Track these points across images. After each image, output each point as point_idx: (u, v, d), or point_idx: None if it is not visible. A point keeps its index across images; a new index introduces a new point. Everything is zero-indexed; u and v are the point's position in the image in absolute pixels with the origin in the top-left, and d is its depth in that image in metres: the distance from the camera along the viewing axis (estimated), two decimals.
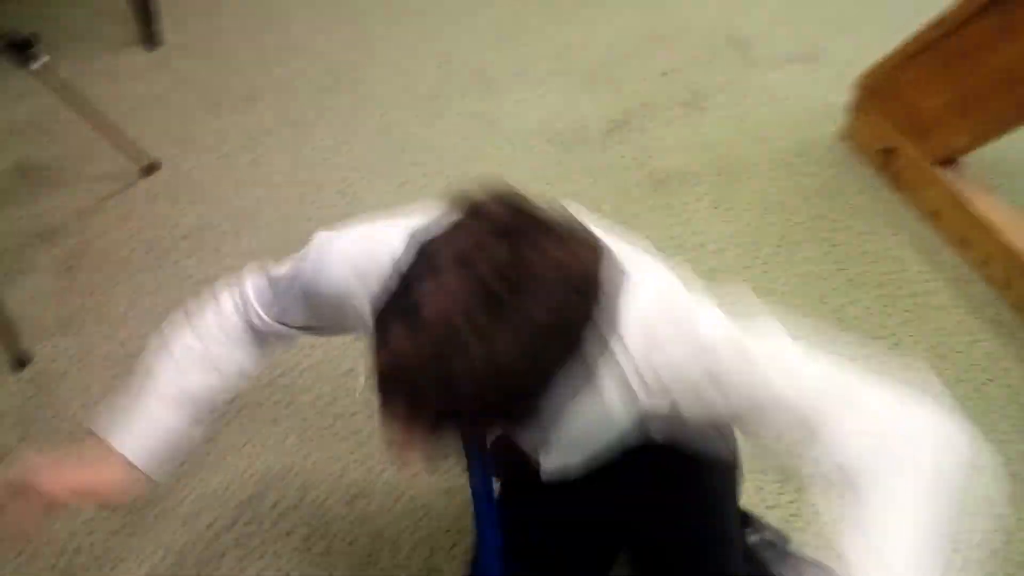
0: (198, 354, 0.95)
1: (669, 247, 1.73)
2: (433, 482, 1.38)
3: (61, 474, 0.88)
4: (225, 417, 1.48)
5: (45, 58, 1.70)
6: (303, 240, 1.87)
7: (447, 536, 1.32)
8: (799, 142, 2.02)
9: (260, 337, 0.99)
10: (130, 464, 0.91)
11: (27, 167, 2.02)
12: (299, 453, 1.44)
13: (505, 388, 0.63)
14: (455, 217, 0.65)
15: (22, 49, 1.65)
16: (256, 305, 0.96)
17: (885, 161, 1.90)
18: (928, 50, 1.73)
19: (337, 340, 1.59)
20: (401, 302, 0.64)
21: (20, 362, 1.57)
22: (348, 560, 1.30)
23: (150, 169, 1.98)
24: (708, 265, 1.72)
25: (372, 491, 1.38)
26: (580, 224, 0.68)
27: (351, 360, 1.56)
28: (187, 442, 0.96)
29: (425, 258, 0.64)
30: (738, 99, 2.15)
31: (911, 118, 1.81)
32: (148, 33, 2.40)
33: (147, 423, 0.93)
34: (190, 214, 1.89)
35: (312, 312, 0.94)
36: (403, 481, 1.39)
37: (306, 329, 0.98)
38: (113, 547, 1.32)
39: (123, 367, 1.57)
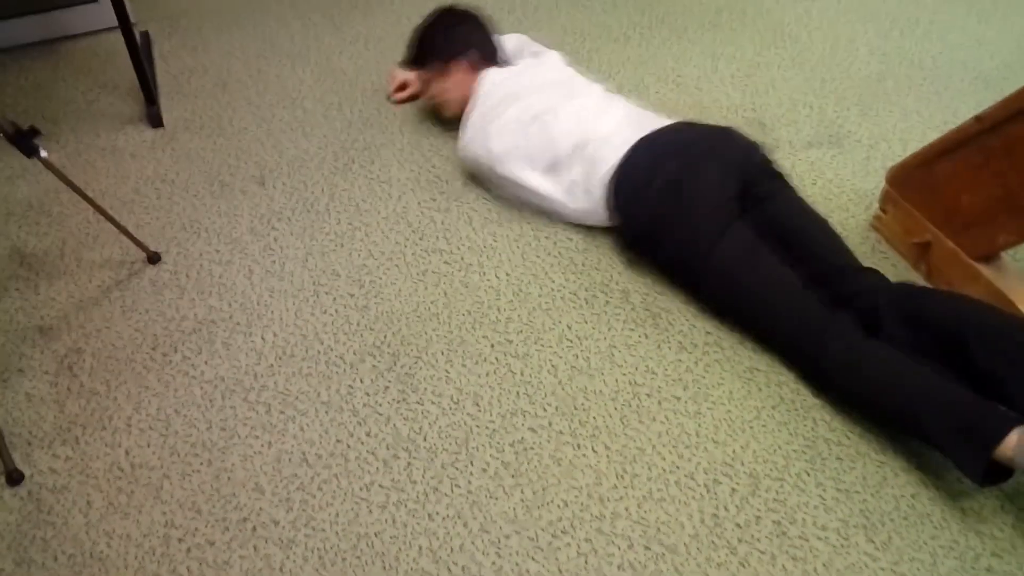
0: None
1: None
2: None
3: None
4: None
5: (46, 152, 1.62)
6: (320, 339, 1.77)
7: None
8: None
9: None
10: None
11: (25, 253, 1.92)
12: None
13: None
14: None
15: (27, 138, 1.57)
16: None
17: (920, 254, 1.84)
18: (966, 146, 1.69)
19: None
20: None
21: (15, 476, 1.46)
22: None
23: (156, 256, 1.88)
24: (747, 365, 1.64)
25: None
26: None
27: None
28: None
29: None
30: None
31: (948, 213, 1.77)
32: (152, 109, 2.32)
33: None
34: (199, 305, 1.78)
35: None
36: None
37: None
38: None
39: (128, 479, 1.46)
